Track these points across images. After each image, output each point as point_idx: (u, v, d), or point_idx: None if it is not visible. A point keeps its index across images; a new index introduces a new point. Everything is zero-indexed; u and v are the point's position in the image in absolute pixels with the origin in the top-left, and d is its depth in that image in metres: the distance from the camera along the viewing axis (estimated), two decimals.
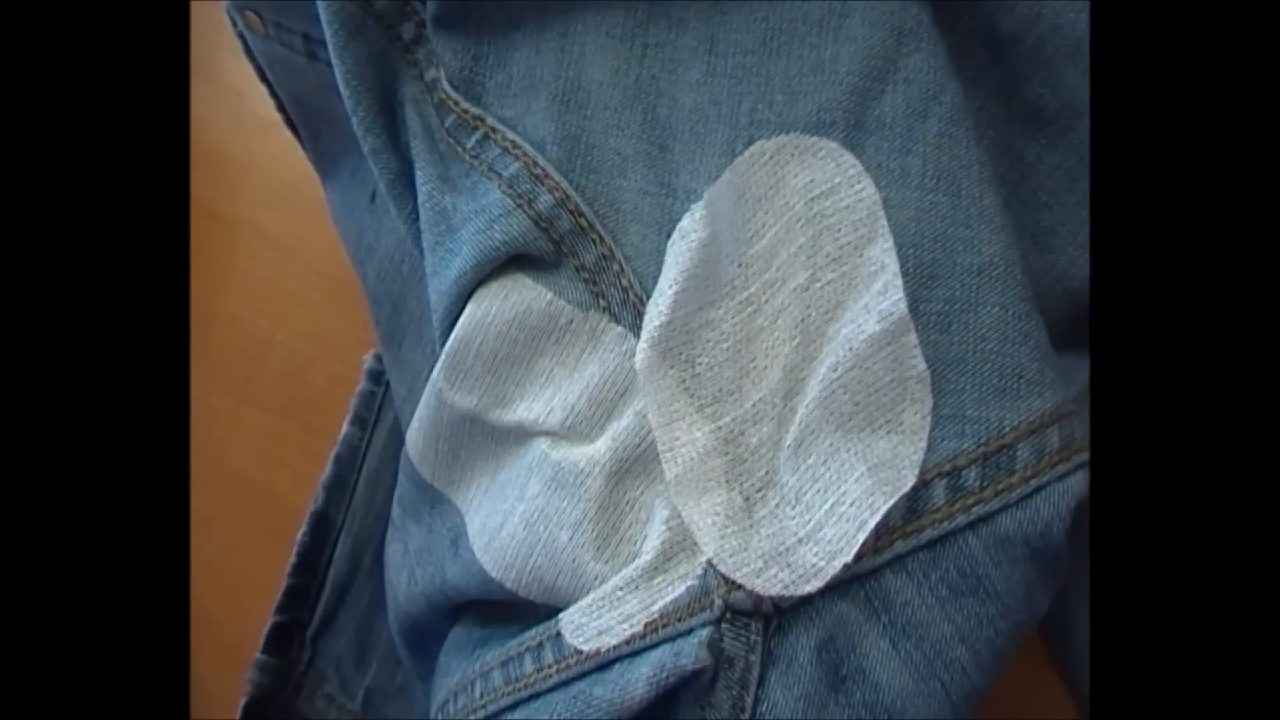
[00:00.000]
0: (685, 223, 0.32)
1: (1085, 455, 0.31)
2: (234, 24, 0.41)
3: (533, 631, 0.33)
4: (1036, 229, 0.36)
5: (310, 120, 0.45)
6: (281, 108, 0.46)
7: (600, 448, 0.32)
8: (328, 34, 0.34)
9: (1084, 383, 0.36)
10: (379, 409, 0.52)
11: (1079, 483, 0.31)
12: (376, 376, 0.52)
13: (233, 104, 0.60)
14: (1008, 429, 0.30)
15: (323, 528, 0.50)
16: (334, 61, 0.34)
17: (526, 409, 0.33)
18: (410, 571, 0.39)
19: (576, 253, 0.33)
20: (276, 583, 0.50)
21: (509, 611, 0.35)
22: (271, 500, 0.55)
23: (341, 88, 0.34)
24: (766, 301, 0.32)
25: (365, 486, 0.51)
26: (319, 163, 0.48)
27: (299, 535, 0.50)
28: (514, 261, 0.33)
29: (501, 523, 0.34)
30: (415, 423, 0.36)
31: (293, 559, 0.50)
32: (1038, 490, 0.30)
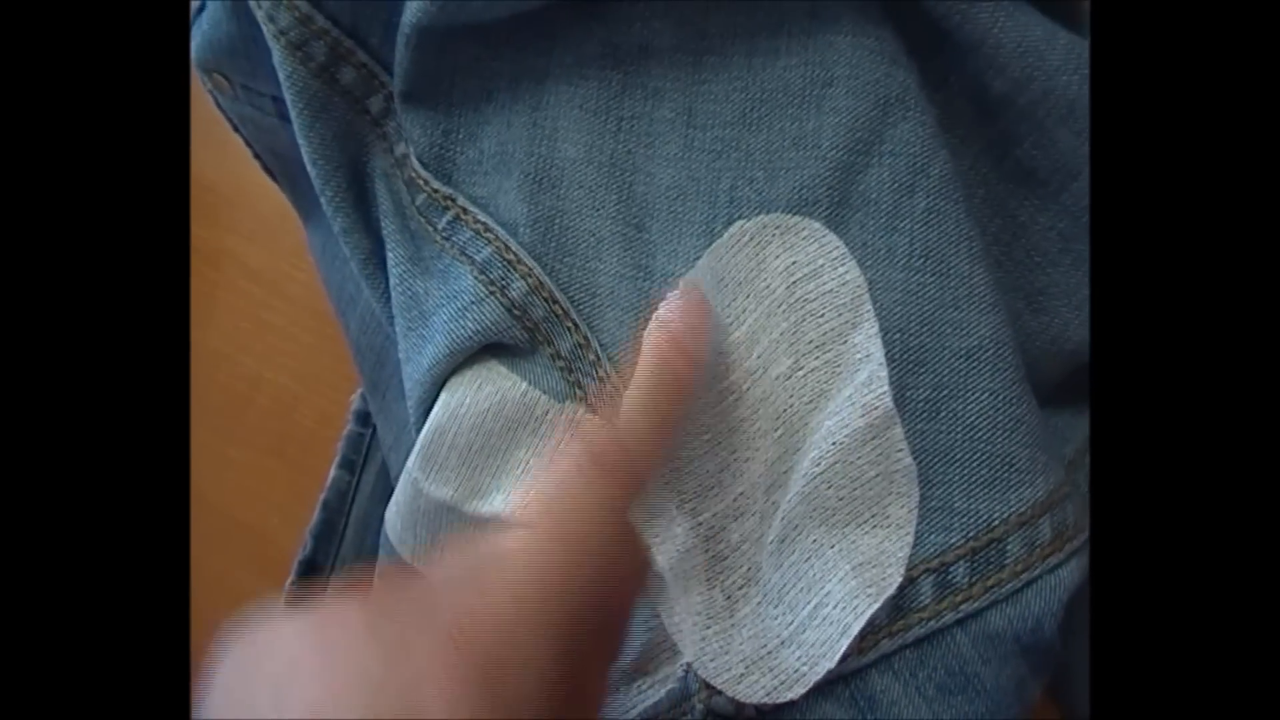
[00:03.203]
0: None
1: (1079, 541, 0.30)
2: (203, 83, 0.40)
3: None
4: (1030, 290, 0.35)
5: (288, 170, 0.44)
6: (258, 155, 0.45)
7: None
8: (292, 113, 0.32)
9: (1078, 442, 0.35)
10: (367, 451, 0.51)
11: (1071, 573, 0.30)
12: (364, 418, 0.51)
13: (215, 134, 0.58)
14: (997, 522, 0.29)
15: (311, 576, 0.50)
16: (300, 140, 0.33)
17: (504, 501, 0.32)
18: None
19: (551, 340, 0.32)
20: None
21: None
22: (260, 541, 0.54)
23: (309, 167, 0.33)
24: (748, 390, 0.31)
25: (353, 532, 0.50)
26: (299, 205, 0.47)
27: (287, 583, 0.50)
28: (488, 348, 0.32)
29: None
30: (393, 505, 0.35)
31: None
32: (1029, 584, 0.29)
